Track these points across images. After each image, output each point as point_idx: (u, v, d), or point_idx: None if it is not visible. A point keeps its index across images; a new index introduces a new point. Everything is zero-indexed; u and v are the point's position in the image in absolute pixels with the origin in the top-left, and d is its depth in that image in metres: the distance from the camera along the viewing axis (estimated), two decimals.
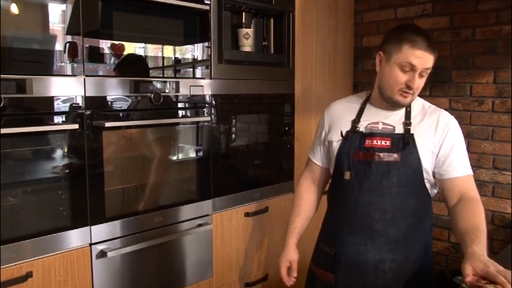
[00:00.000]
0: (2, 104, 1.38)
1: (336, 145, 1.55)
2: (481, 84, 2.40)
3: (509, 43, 2.29)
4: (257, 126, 2.34)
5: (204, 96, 1.98)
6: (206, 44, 1.98)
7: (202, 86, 1.96)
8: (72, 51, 1.56)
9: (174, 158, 1.99)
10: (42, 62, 1.54)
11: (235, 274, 2.21)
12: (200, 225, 1.99)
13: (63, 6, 1.56)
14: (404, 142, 1.44)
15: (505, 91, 2.33)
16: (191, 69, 2.03)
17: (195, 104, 1.96)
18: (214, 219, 2.07)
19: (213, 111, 2.02)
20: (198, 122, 1.99)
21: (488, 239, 2.42)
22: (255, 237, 2.29)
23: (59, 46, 1.55)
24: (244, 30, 2.19)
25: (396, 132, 1.47)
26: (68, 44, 1.56)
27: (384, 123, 1.49)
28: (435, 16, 2.52)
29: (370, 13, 2.78)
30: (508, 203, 2.37)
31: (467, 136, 2.45)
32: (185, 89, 1.90)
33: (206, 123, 2.01)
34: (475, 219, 1.35)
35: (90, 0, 1.59)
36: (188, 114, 1.98)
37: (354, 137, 1.50)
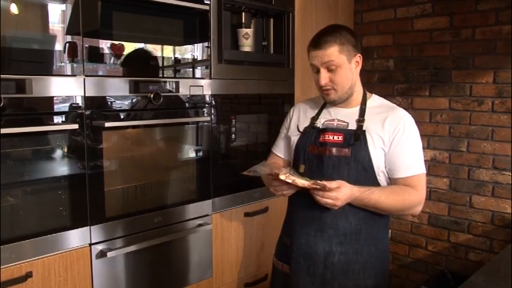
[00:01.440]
0: (2, 104, 1.38)
1: (294, 139, 1.61)
2: (480, 84, 2.40)
3: (509, 43, 2.29)
4: (257, 126, 2.34)
5: (203, 96, 1.98)
6: (206, 44, 1.98)
7: (202, 86, 1.96)
8: (72, 51, 1.56)
9: (174, 158, 1.99)
10: (42, 62, 1.54)
11: (235, 274, 2.21)
12: (200, 225, 2.00)
13: (63, 6, 1.56)
14: (355, 138, 1.47)
15: (504, 91, 2.33)
16: (191, 69, 2.03)
17: (195, 104, 1.96)
18: (214, 219, 2.07)
19: (212, 111, 2.02)
20: (197, 122, 1.99)
21: (488, 239, 2.43)
22: (255, 237, 2.29)
23: (58, 46, 1.55)
24: (244, 30, 2.19)
25: (349, 128, 1.51)
26: (67, 44, 1.56)
27: (339, 120, 1.55)
28: (435, 16, 2.52)
29: (370, 13, 2.78)
30: (508, 203, 2.37)
31: (467, 136, 2.45)
32: (185, 89, 1.90)
33: (206, 123, 2.01)
34: (394, 188, 1.47)
35: (90, 0, 1.59)
36: (188, 114, 1.98)
37: (311, 132, 1.56)
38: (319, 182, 1.37)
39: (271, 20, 2.37)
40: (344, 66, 1.46)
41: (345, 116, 1.54)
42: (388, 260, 1.66)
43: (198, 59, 2.00)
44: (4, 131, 1.41)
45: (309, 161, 1.53)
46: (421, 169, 1.50)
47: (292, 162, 1.62)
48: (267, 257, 2.36)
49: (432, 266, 2.64)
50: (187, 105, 1.94)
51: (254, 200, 2.25)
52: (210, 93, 2.00)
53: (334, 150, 1.49)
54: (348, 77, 1.48)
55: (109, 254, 1.68)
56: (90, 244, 1.66)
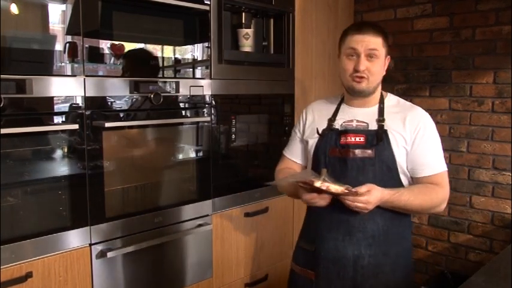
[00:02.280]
0: (2, 104, 1.38)
1: (312, 143, 1.58)
2: (480, 84, 2.40)
3: (509, 43, 2.29)
4: (257, 127, 2.34)
5: (204, 96, 1.98)
6: (206, 44, 1.98)
7: (202, 86, 1.96)
8: (72, 51, 1.56)
9: (174, 158, 1.99)
10: (42, 62, 1.54)
11: (235, 274, 2.21)
12: (200, 225, 1.99)
13: (63, 6, 1.56)
14: (378, 138, 1.46)
15: (504, 91, 2.33)
16: (191, 70, 2.03)
17: (195, 104, 1.96)
18: (214, 219, 2.07)
19: (213, 112, 2.02)
20: (198, 122, 1.99)
21: (488, 239, 2.43)
22: (255, 237, 2.29)
23: (58, 46, 1.55)
24: (244, 31, 2.19)
25: (370, 128, 1.50)
26: (67, 44, 1.56)
27: (358, 121, 1.53)
28: (435, 16, 2.52)
29: (370, 13, 2.78)
30: (508, 203, 2.37)
31: (467, 136, 2.45)
32: (185, 89, 1.90)
33: (206, 124, 2.01)
34: (420, 188, 1.47)
35: (90, 0, 1.59)
36: (188, 114, 1.98)
37: (329, 135, 1.53)
38: (350, 187, 1.35)
39: (272, 20, 2.37)
40: (382, 59, 1.47)
41: (364, 116, 1.52)
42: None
43: (198, 59, 2.00)
44: (4, 131, 1.41)
45: (331, 164, 1.50)
46: (444, 166, 1.50)
47: (311, 166, 1.58)
48: (267, 257, 2.36)
49: (432, 266, 2.64)
50: (187, 105, 1.94)
51: (254, 200, 2.25)
52: (210, 93, 2.00)
53: (357, 151, 1.47)
54: (381, 71, 1.49)
55: (109, 254, 1.68)
56: (90, 244, 1.66)
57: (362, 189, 1.35)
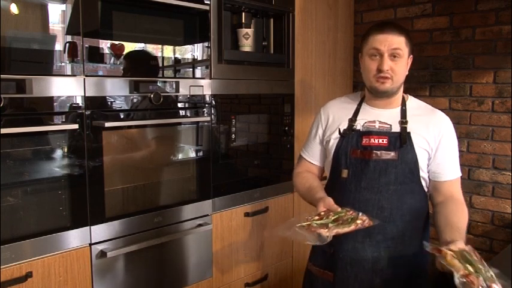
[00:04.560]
0: (2, 104, 1.38)
1: (333, 143, 1.55)
2: (480, 84, 2.40)
3: (509, 43, 2.29)
4: (257, 126, 2.34)
5: (204, 96, 1.98)
6: (206, 44, 1.98)
7: (202, 86, 1.96)
8: (72, 51, 1.56)
9: (174, 158, 1.99)
10: (42, 62, 1.54)
11: (235, 274, 2.21)
12: (200, 225, 1.99)
13: (63, 6, 1.56)
14: (402, 141, 1.45)
15: (504, 91, 2.33)
16: (191, 69, 2.02)
17: (195, 104, 1.96)
18: (214, 219, 2.07)
19: (213, 111, 2.02)
20: (198, 122, 1.99)
21: (488, 239, 2.43)
22: (255, 237, 2.29)
23: (58, 46, 1.55)
24: (244, 30, 2.19)
25: (393, 130, 1.49)
26: (67, 44, 1.56)
27: (380, 122, 1.51)
28: (435, 16, 2.52)
29: (370, 13, 2.78)
30: (508, 203, 2.37)
31: (467, 136, 2.45)
32: (185, 89, 1.90)
33: (206, 123, 2.01)
34: (460, 220, 1.41)
35: (90, 0, 1.59)
36: (188, 114, 1.98)
37: (351, 135, 1.51)
38: (362, 217, 1.31)
39: (271, 20, 2.37)
40: (405, 58, 1.45)
41: (386, 117, 1.51)
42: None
43: (198, 59, 2.00)
44: (4, 131, 1.41)
45: (352, 165, 1.49)
46: (460, 171, 1.52)
47: (332, 167, 1.57)
48: (267, 257, 2.36)
49: (432, 266, 2.64)
50: (187, 105, 1.94)
51: (254, 200, 2.25)
52: (210, 93, 2.00)
53: (380, 153, 1.46)
54: (404, 71, 1.47)
55: (109, 254, 1.68)
56: (90, 244, 1.66)
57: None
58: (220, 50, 2.02)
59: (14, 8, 1.44)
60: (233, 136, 2.17)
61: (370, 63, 1.45)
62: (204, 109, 2.00)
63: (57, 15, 1.56)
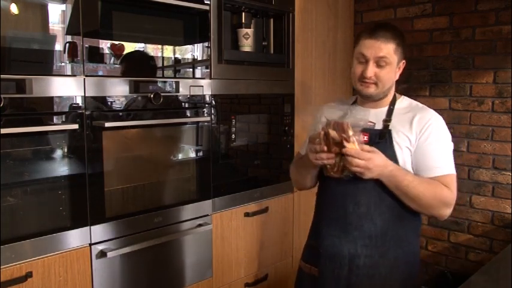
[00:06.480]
0: (1, 104, 1.38)
1: None
2: (480, 84, 2.40)
3: (509, 43, 2.29)
4: (257, 126, 2.34)
5: (203, 96, 1.98)
6: (206, 44, 1.98)
7: (202, 86, 1.96)
8: (72, 51, 1.56)
9: (174, 158, 1.99)
10: (42, 62, 1.54)
11: (235, 274, 2.21)
12: (200, 225, 1.99)
13: (63, 6, 1.56)
14: (380, 136, 1.46)
15: (504, 91, 2.33)
16: (191, 69, 2.03)
17: (195, 104, 1.96)
18: (214, 219, 2.07)
19: (213, 111, 2.02)
20: (198, 122, 1.99)
21: (488, 239, 2.43)
22: (255, 237, 2.29)
23: (58, 46, 1.55)
24: (244, 30, 2.19)
25: (376, 128, 1.50)
26: (67, 44, 1.56)
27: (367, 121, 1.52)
28: (435, 16, 2.52)
29: (370, 13, 2.78)
30: (508, 203, 2.37)
31: (467, 136, 2.45)
32: (185, 89, 1.90)
33: (206, 123, 2.01)
34: (427, 179, 1.41)
35: (90, 0, 1.59)
36: (188, 114, 1.98)
37: None
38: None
39: (271, 20, 2.37)
40: (392, 66, 1.45)
41: (373, 116, 1.51)
42: (419, 264, 1.60)
43: (198, 59, 2.00)
44: (4, 131, 1.41)
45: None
46: (451, 169, 1.45)
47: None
48: (267, 257, 2.36)
49: (432, 266, 2.64)
50: (187, 105, 1.94)
51: (254, 200, 2.25)
52: (210, 93, 2.00)
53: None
54: (391, 77, 1.47)
55: (109, 254, 1.68)
56: (90, 244, 1.66)
57: (366, 147, 1.33)
58: (220, 50, 2.02)
59: (14, 8, 1.44)
60: (233, 136, 2.17)
61: (357, 67, 1.46)
62: (204, 109, 2.00)
63: (57, 15, 1.56)
